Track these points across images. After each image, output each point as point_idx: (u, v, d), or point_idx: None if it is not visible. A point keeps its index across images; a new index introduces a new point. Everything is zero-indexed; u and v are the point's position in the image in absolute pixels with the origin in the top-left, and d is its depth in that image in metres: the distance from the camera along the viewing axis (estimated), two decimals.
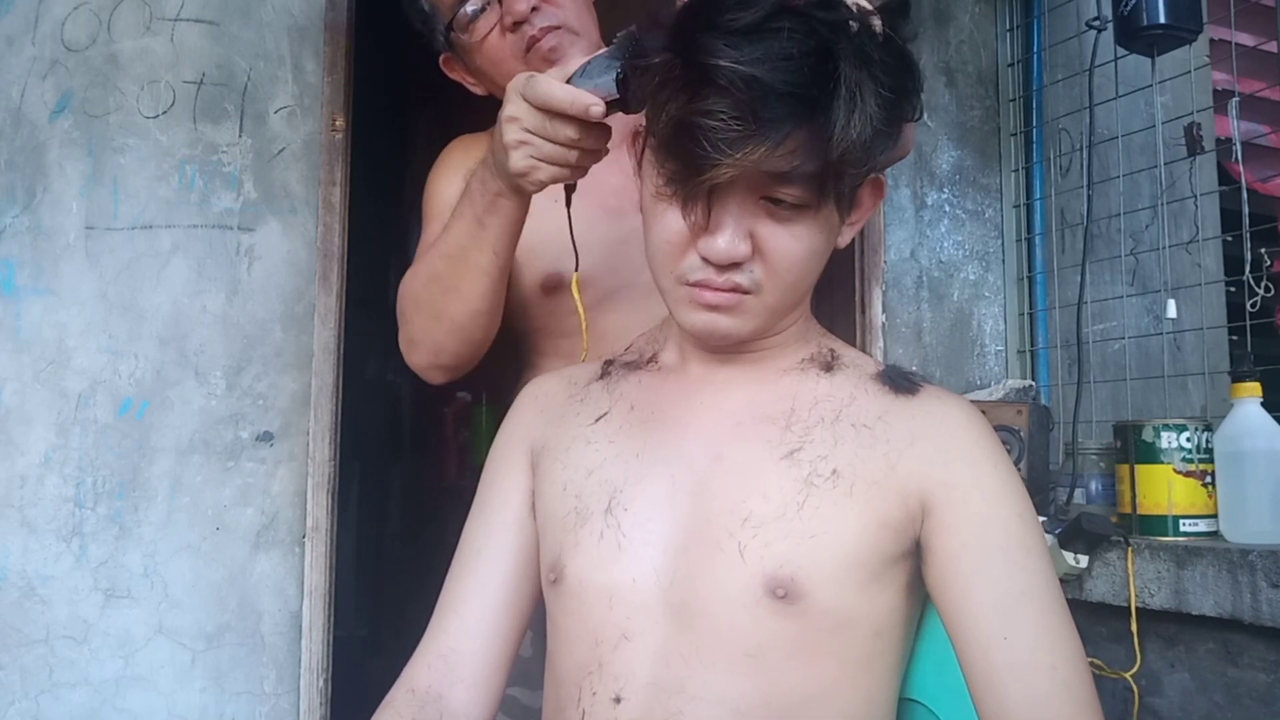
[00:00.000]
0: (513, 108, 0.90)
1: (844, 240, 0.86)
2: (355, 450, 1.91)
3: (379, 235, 2.74)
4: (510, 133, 0.90)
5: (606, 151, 0.93)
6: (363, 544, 3.06)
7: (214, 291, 1.51)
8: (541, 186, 0.94)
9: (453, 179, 1.28)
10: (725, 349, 0.87)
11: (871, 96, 0.73)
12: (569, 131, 0.88)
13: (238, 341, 1.51)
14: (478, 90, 1.32)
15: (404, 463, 3.36)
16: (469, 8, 1.20)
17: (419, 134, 3.06)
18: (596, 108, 0.86)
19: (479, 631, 0.90)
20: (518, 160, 0.91)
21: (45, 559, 1.41)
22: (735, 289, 0.79)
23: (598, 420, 0.91)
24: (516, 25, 1.18)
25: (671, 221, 0.79)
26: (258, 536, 1.50)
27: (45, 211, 1.46)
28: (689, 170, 0.75)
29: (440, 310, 1.12)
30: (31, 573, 1.41)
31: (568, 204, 0.98)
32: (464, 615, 0.91)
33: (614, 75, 0.86)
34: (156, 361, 1.48)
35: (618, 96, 0.87)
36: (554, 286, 1.21)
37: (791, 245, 0.78)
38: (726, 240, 0.76)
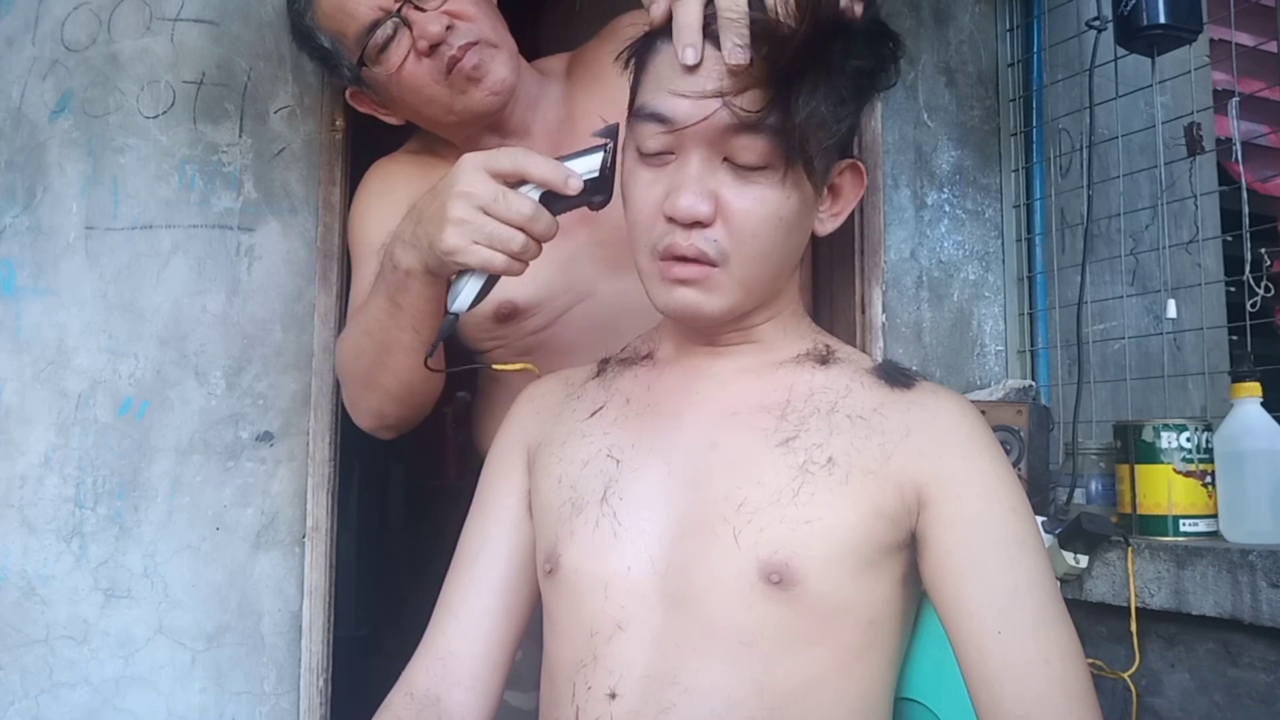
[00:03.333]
0: (468, 181, 0.85)
1: (824, 229, 0.87)
2: (355, 450, 1.90)
3: None
4: (456, 208, 0.85)
5: (539, 252, 0.89)
6: (363, 544, 3.07)
7: (214, 291, 1.51)
8: (462, 270, 0.89)
9: (373, 213, 1.25)
10: (711, 336, 0.87)
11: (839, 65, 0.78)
12: (524, 209, 0.85)
13: (238, 341, 1.51)
14: (392, 120, 1.26)
15: (404, 463, 3.36)
16: (378, 36, 1.14)
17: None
18: (575, 180, 0.86)
19: (477, 634, 0.90)
20: (452, 237, 0.86)
21: (45, 559, 1.41)
22: (700, 256, 0.79)
23: (593, 414, 0.91)
24: (433, 48, 1.13)
25: (643, 190, 0.82)
26: (258, 536, 1.50)
27: (45, 211, 1.46)
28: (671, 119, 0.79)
29: (372, 382, 1.10)
30: (31, 573, 1.41)
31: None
32: (462, 618, 0.91)
33: (600, 155, 0.86)
34: (156, 361, 1.48)
35: (597, 175, 0.86)
36: (507, 315, 1.19)
37: (755, 207, 0.79)
38: (689, 198, 0.78)
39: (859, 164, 0.86)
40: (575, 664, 0.82)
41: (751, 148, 0.77)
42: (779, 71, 0.74)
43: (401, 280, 0.96)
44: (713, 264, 0.80)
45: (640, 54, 0.84)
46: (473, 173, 0.86)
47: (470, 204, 0.85)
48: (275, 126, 1.57)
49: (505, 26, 1.21)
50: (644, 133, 0.81)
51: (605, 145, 0.86)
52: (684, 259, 0.80)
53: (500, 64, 1.16)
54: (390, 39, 1.14)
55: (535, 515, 0.92)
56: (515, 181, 0.87)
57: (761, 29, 0.74)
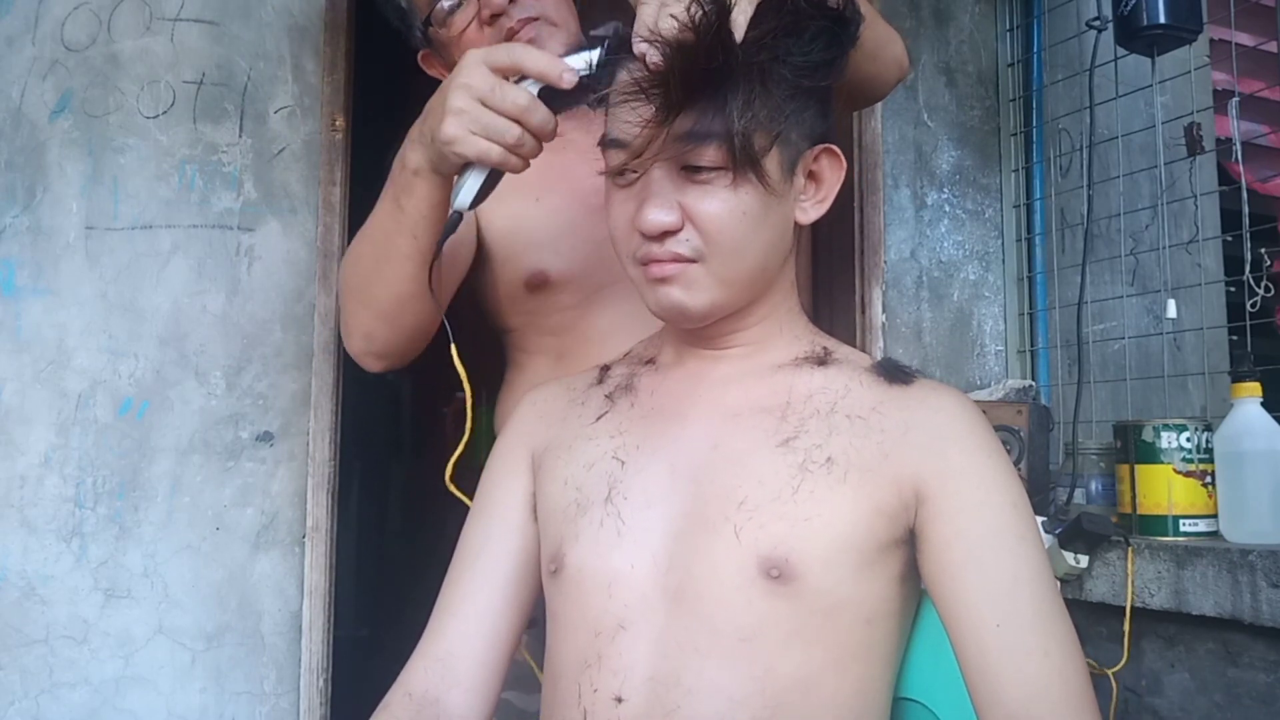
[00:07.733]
0: (467, 74, 0.87)
1: (806, 217, 0.88)
2: (355, 450, 1.91)
3: None
4: (455, 99, 0.87)
5: (538, 150, 0.90)
6: (363, 544, 3.07)
7: (214, 291, 1.51)
8: (461, 163, 0.90)
9: None
10: (708, 338, 0.88)
11: (774, 71, 0.80)
12: (519, 99, 0.86)
13: (238, 341, 1.51)
14: None
15: (404, 463, 3.36)
16: (446, 2, 1.17)
17: None
18: (569, 74, 0.86)
19: (476, 634, 0.90)
20: (450, 126, 0.87)
21: (45, 559, 1.41)
22: (678, 258, 0.82)
23: (599, 419, 0.92)
24: (494, 18, 1.16)
25: (617, 209, 0.85)
26: (258, 536, 1.50)
27: (45, 211, 1.46)
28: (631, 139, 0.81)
29: (367, 295, 1.08)
30: (31, 573, 1.41)
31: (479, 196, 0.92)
32: (461, 618, 0.91)
33: (595, 54, 0.87)
34: (156, 361, 1.48)
35: (591, 73, 0.87)
36: (539, 284, 1.20)
37: (717, 207, 0.81)
38: (653, 211, 0.81)
39: (834, 148, 0.87)
40: (579, 665, 0.83)
41: (701, 152, 0.80)
42: (703, 81, 0.77)
43: (408, 181, 0.96)
44: (691, 260, 0.82)
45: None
46: (473, 66, 0.88)
47: (469, 95, 0.87)
48: (275, 126, 1.57)
49: (573, 13, 1.24)
50: (607, 158, 0.85)
51: (603, 41, 0.87)
52: (662, 262, 0.83)
53: (556, 44, 1.18)
54: (458, 5, 1.18)
55: (540, 517, 0.92)
56: (514, 76, 0.89)
57: (682, 46, 0.76)
